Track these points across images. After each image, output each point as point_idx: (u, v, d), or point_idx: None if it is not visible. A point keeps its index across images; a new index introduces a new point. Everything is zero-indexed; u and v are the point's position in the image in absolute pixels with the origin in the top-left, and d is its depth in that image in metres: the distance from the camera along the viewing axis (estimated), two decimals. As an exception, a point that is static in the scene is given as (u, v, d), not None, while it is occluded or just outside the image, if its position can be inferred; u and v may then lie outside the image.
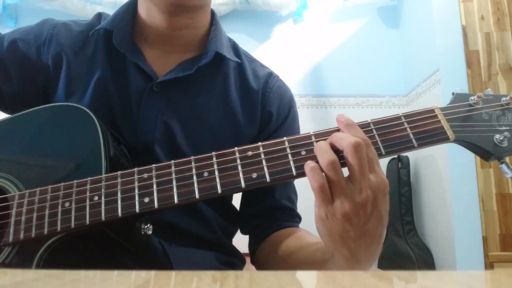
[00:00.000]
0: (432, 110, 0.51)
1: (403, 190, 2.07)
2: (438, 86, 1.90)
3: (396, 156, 2.14)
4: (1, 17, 2.30)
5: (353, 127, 0.47)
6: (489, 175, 1.76)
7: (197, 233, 0.65)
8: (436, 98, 1.92)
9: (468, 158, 1.75)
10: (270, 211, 0.70)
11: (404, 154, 2.13)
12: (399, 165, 2.10)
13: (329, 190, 0.44)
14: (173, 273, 0.29)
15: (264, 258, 0.68)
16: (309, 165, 0.45)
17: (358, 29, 2.40)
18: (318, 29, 2.40)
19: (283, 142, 0.49)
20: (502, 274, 0.30)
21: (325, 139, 0.48)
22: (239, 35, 2.32)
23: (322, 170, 0.45)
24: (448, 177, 1.79)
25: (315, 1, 2.40)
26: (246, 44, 2.31)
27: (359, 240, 0.44)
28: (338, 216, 0.43)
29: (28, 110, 0.59)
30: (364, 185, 0.43)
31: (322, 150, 0.45)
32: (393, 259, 2.03)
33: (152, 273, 0.27)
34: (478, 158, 1.77)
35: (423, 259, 1.93)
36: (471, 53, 1.87)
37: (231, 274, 0.26)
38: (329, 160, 0.43)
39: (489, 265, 1.69)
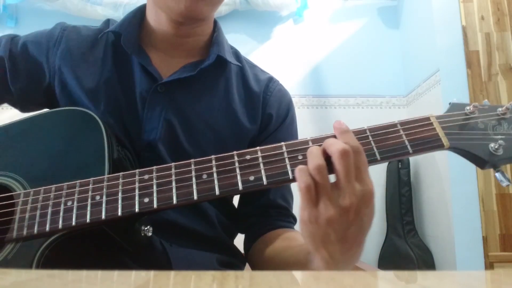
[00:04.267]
0: (428, 118, 0.52)
1: (403, 190, 2.07)
2: (438, 86, 1.90)
3: (396, 156, 2.14)
4: (1, 17, 2.30)
5: (346, 134, 0.47)
6: (489, 175, 1.76)
7: (198, 231, 0.66)
8: (436, 99, 1.92)
9: (468, 158, 1.75)
10: (264, 210, 0.72)
11: (404, 154, 2.13)
12: (399, 165, 2.10)
13: (314, 192, 0.45)
14: (173, 273, 0.29)
15: (255, 256, 0.70)
16: (298, 166, 0.46)
17: (358, 29, 2.40)
18: (318, 29, 2.40)
19: (280, 146, 0.50)
20: (502, 274, 0.30)
21: (320, 145, 0.49)
22: (239, 35, 2.32)
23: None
24: (448, 177, 1.79)
25: (315, 1, 2.40)
26: (246, 44, 2.31)
27: (339, 244, 0.46)
28: (320, 220, 0.45)
29: (37, 113, 0.62)
30: (349, 191, 0.44)
31: (313, 154, 0.46)
32: (393, 259, 2.03)
33: (152, 273, 0.27)
34: (478, 158, 1.77)
35: (423, 259, 1.93)
36: (471, 53, 1.87)
37: (231, 274, 0.26)
38: (316, 164, 0.45)
39: (489, 265, 1.69)
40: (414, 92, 2.19)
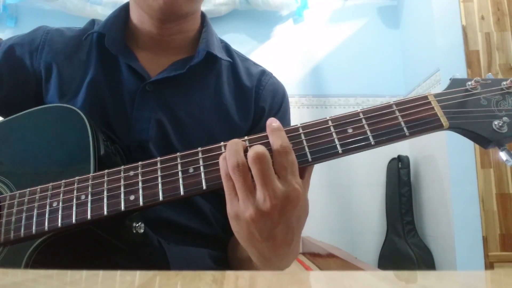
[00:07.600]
0: (425, 97, 0.49)
1: (403, 190, 2.07)
2: (438, 86, 1.90)
3: (396, 156, 2.14)
4: (1, 17, 2.30)
5: (275, 133, 0.46)
6: (489, 175, 1.76)
7: (195, 229, 0.65)
8: (436, 98, 1.92)
9: (468, 158, 1.75)
10: None
11: (404, 154, 2.13)
12: (399, 165, 2.10)
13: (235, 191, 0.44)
14: (173, 273, 0.29)
15: (228, 252, 0.70)
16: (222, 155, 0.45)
17: (358, 29, 2.40)
18: (318, 29, 2.40)
19: (267, 136, 0.48)
20: (502, 274, 0.30)
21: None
22: (239, 35, 2.32)
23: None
24: (448, 177, 1.79)
25: (315, 1, 2.40)
26: (246, 44, 2.31)
27: (266, 242, 0.45)
28: (242, 217, 0.44)
29: (20, 113, 0.60)
30: (269, 194, 0.43)
31: (231, 152, 0.45)
32: (393, 259, 2.03)
33: (152, 273, 0.27)
34: (478, 158, 1.77)
35: (423, 259, 1.93)
36: (471, 53, 1.87)
37: (231, 274, 0.26)
38: (233, 163, 0.43)
39: (489, 265, 1.69)
40: (414, 92, 2.19)
